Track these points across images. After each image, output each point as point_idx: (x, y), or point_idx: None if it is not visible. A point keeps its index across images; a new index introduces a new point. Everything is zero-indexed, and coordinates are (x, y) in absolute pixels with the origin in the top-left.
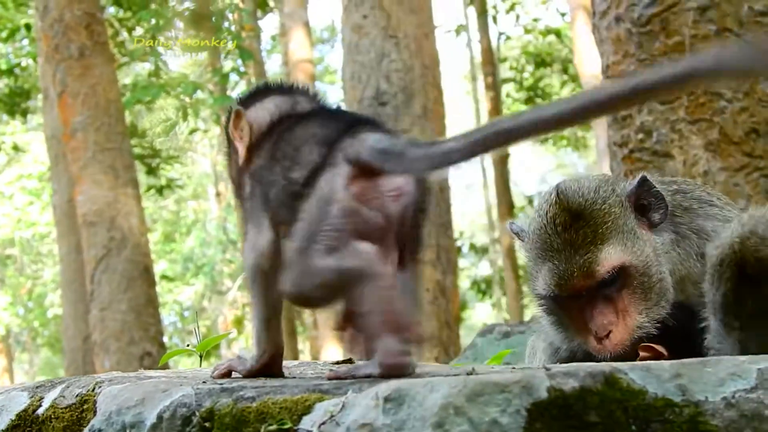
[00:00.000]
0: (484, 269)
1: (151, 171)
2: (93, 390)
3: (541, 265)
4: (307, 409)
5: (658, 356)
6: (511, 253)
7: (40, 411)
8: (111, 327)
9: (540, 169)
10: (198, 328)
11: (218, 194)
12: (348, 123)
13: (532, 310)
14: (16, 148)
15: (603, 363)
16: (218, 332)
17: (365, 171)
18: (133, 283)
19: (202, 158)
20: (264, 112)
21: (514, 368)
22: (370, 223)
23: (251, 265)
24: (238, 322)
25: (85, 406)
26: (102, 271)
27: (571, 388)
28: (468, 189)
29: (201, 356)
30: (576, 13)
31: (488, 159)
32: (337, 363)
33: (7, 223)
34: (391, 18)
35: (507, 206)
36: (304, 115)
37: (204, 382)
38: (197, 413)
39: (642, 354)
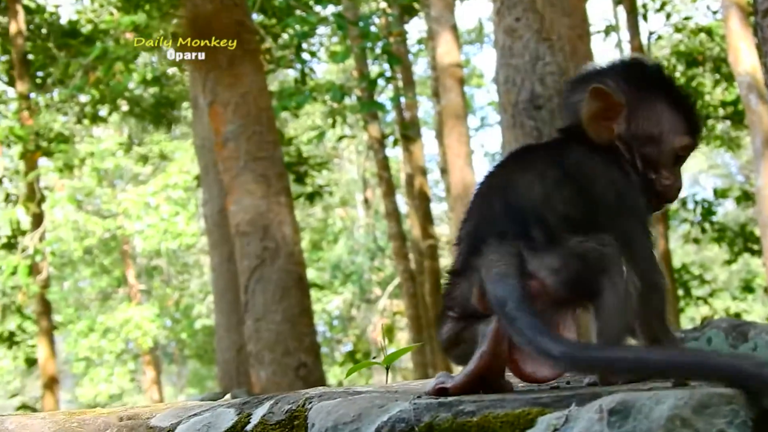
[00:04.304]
0: None
1: (299, 179)
2: (303, 406)
3: None
4: (530, 423)
5: None
6: None
7: (249, 427)
8: (266, 338)
9: (691, 169)
10: (385, 340)
11: (366, 201)
12: None
13: None
14: (163, 156)
15: None
16: (368, 341)
17: None
18: (288, 292)
19: (349, 165)
20: None
21: None
22: None
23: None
24: (389, 331)
25: (296, 422)
26: (256, 281)
27: None
28: None
29: (387, 369)
30: (729, 11)
31: None
32: None
33: (153, 234)
34: (545, 20)
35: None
36: None
37: (419, 396)
38: (416, 428)
39: None
